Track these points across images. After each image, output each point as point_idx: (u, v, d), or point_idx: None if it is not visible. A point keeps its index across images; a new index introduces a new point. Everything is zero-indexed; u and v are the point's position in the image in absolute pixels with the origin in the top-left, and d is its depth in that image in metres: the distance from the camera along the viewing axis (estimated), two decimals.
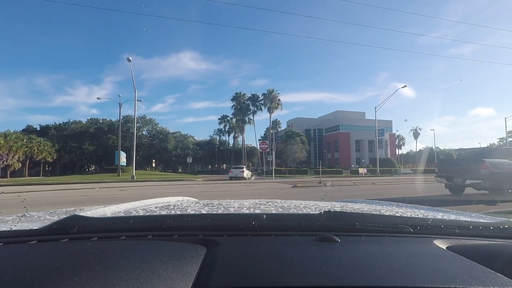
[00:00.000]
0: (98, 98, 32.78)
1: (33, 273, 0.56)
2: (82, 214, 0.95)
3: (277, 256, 0.67)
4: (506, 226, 0.92)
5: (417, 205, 1.52)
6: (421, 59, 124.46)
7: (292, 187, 16.68)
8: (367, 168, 41.99)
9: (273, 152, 34.30)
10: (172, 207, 1.37)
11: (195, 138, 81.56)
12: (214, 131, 79.78)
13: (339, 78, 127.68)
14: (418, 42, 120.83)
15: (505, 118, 36.62)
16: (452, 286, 0.55)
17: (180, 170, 73.07)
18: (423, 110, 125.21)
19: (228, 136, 74.77)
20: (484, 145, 76.26)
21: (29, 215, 1.16)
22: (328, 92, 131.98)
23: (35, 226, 0.89)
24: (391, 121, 73.84)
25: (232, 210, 1.25)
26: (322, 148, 70.96)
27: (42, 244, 0.77)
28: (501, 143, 70.65)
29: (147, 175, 32.21)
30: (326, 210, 0.94)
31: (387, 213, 1.20)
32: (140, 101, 43.55)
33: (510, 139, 66.03)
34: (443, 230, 0.90)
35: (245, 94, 59.30)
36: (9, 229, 0.87)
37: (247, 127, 62.36)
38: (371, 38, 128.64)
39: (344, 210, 1.19)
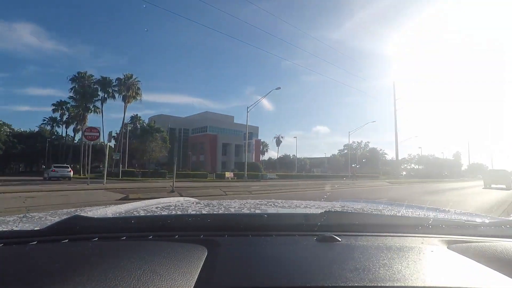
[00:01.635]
0: None
1: (34, 274, 0.56)
2: (83, 214, 0.96)
3: (278, 256, 0.67)
4: (508, 226, 0.93)
5: (417, 205, 1.52)
6: (282, 79, 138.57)
7: (119, 199, 9.41)
8: (233, 172, 38.12)
9: (122, 150, 26.42)
10: (172, 207, 1.39)
11: (13, 128, 59.45)
12: (45, 120, 60.22)
13: (211, 85, 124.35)
14: (281, 64, 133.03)
15: (349, 132, 41.65)
16: (453, 286, 0.55)
17: None
18: (283, 122, 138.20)
19: (67, 128, 57.72)
20: (328, 155, 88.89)
21: (30, 216, 1.15)
22: (199, 97, 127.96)
23: (36, 226, 0.89)
24: (258, 127, 75.20)
25: (233, 210, 1.27)
26: (187, 150, 64.41)
27: (43, 244, 0.77)
28: (340, 153, 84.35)
29: None
30: (327, 210, 0.95)
31: (388, 213, 1.22)
32: None
33: (346, 150, 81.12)
34: (444, 229, 0.91)
35: (92, 76, 44.99)
36: (10, 230, 0.87)
37: (93, 118, 48.61)
38: (248, 53, 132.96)
39: (345, 210, 1.23)
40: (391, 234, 0.86)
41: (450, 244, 0.78)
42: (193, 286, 0.54)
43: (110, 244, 0.77)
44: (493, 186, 23.87)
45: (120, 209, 1.21)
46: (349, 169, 54.91)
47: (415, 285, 0.54)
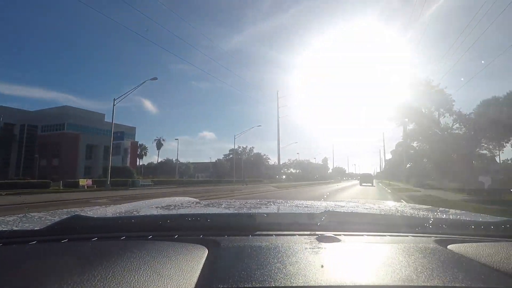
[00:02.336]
0: None
1: (33, 274, 0.56)
2: (82, 214, 0.97)
3: (278, 256, 0.66)
4: (508, 225, 0.93)
5: (417, 205, 1.55)
6: (171, 82, 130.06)
7: None
8: (93, 180, 29.84)
9: None
10: (173, 207, 1.41)
11: None
12: None
13: (87, 81, 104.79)
14: (171, 68, 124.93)
15: (235, 136, 39.88)
16: (452, 285, 0.55)
17: None
18: (169, 127, 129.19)
19: None
20: (213, 160, 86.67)
21: (30, 216, 1.15)
22: (67, 93, 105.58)
23: (36, 226, 0.89)
24: (135, 128, 65.33)
25: (233, 210, 1.28)
26: (33, 152, 49.42)
27: (42, 244, 0.77)
28: (225, 158, 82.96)
29: None
30: (327, 209, 0.97)
31: (388, 213, 1.25)
32: None
33: (231, 155, 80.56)
34: (444, 229, 0.91)
35: None
36: (10, 230, 0.87)
37: None
38: (133, 54, 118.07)
39: (345, 210, 1.23)
40: (391, 234, 0.86)
41: (449, 244, 0.78)
42: (193, 286, 0.54)
43: (110, 244, 0.76)
44: (363, 184, 36.17)
45: (120, 209, 1.24)
46: (234, 174, 53.34)
47: (415, 284, 0.54)
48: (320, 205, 1.37)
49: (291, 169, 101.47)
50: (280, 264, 0.61)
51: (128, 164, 50.60)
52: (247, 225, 0.88)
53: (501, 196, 13.51)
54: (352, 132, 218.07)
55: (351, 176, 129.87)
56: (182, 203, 1.52)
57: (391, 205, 1.53)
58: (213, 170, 78.29)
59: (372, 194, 18.35)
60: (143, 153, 72.50)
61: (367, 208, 1.37)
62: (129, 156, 54.86)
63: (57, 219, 0.95)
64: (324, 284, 0.54)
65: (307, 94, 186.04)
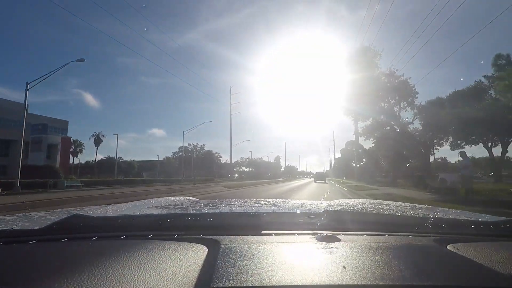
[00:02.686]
0: None
1: (33, 273, 0.56)
2: (82, 213, 0.97)
3: (278, 256, 0.66)
4: (508, 225, 0.93)
5: (417, 205, 1.54)
6: (119, 76, 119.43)
7: None
8: (3, 181, 23.93)
9: None
10: (173, 206, 1.43)
11: None
12: None
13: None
14: (120, 61, 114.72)
15: (183, 132, 36.47)
16: (452, 285, 0.55)
17: None
18: (115, 123, 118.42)
19: None
20: (161, 158, 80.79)
21: (29, 215, 1.15)
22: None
23: (35, 226, 0.89)
24: (67, 121, 57.10)
25: (233, 210, 1.30)
26: None
27: (42, 243, 0.77)
28: (174, 156, 77.79)
29: None
30: (327, 209, 0.95)
31: (387, 212, 1.25)
32: None
33: (181, 153, 75.67)
34: (444, 229, 0.91)
35: None
36: (10, 229, 0.87)
37: None
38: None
39: (345, 209, 1.24)
40: (391, 233, 0.86)
41: (449, 244, 0.77)
42: (193, 285, 0.54)
43: (110, 243, 0.76)
44: (317, 181, 40.14)
45: (120, 208, 1.24)
46: (183, 173, 49.20)
47: (414, 284, 0.54)
48: (320, 205, 1.39)
49: (244, 168, 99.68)
50: (280, 264, 0.61)
51: (58, 162, 43.37)
52: (247, 225, 0.88)
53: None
54: (304, 131, 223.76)
55: (303, 174, 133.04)
56: (182, 203, 1.55)
57: (391, 205, 1.55)
58: (161, 169, 72.51)
59: (330, 195, 17.53)
60: (78, 150, 63.97)
61: (367, 208, 1.37)
62: (59, 153, 47.13)
63: (57, 218, 0.95)
64: (323, 284, 0.54)
65: (260, 93, 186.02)
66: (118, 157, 60.35)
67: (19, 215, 1.13)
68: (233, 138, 60.88)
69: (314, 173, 59.16)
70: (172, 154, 78.99)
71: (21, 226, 0.94)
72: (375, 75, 22.09)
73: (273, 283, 0.54)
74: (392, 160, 25.33)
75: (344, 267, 0.60)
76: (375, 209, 1.33)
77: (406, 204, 1.58)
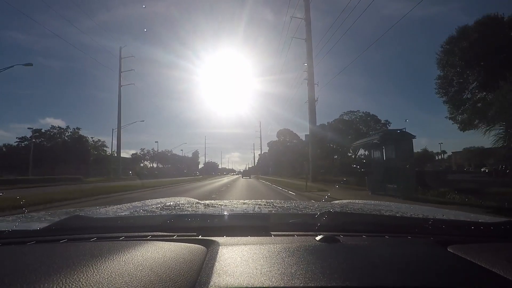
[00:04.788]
0: None
1: (32, 274, 0.55)
2: (82, 214, 0.97)
3: (278, 257, 0.66)
4: (508, 226, 0.92)
5: (417, 206, 1.54)
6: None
7: None
8: None
9: None
10: (172, 207, 1.43)
11: None
12: None
13: None
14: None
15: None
16: (452, 286, 0.55)
17: None
18: None
19: None
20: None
21: (29, 216, 1.15)
22: None
23: (34, 226, 0.89)
24: None
25: (232, 211, 1.30)
26: None
27: (41, 244, 0.77)
28: (21, 144, 49.05)
29: None
30: (327, 210, 0.96)
31: (387, 213, 1.26)
32: None
33: (33, 140, 48.70)
34: (444, 230, 0.91)
35: None
36: (9, 230, 0.86)
37: None
38: None
39: (344, 211, 1.24)
40: (391, 235, 0.86)
41: (449, 245, 0.77)
42: (192, 286, 0.54)
43: (109, 244, 0.75)
44: (244, 177, 47.71)
45: (119, 209, 1.25)
46: (30, 169, 26.32)
47: (415, 285, 0.54)
48: (320, 206, 1.39)
49: (146, 162, 75.73)
50: (279, 265, 0.61)
51: None
52: (246, 226, 0.88)
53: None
54: (227, 126, 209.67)
55: (224, 171, 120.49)
56: (182, 203, 1.55)
57: (392, 206, 1.56)
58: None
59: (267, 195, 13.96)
60: None
61: (367, 209, 1.36)
62: None
63: (56, 219, 0.95)
64: (323, 285, 0.53)
65: (172, 77, 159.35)
66: None
67: (18, 215, 1.12)
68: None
69: (237, 171, 67.68)
70: (17, 140, 49.81)
71: (20, 227, 0.93)
72: None
73: (273, 284, 0.53)
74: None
75: (344, 268, 0.59)
76: (375, 210, 1.32)
77: (408, 205, 1.58)
